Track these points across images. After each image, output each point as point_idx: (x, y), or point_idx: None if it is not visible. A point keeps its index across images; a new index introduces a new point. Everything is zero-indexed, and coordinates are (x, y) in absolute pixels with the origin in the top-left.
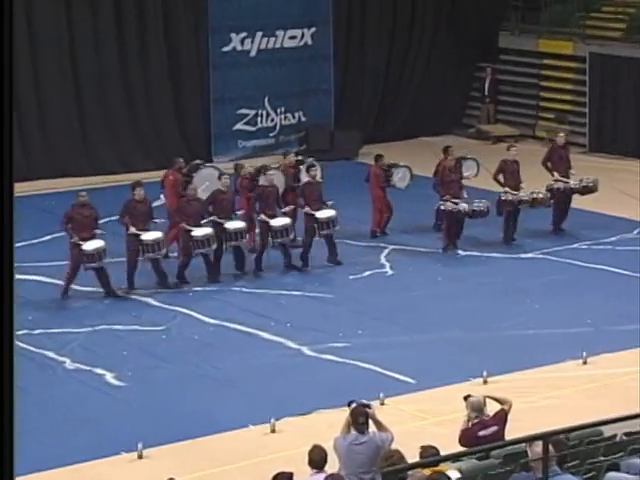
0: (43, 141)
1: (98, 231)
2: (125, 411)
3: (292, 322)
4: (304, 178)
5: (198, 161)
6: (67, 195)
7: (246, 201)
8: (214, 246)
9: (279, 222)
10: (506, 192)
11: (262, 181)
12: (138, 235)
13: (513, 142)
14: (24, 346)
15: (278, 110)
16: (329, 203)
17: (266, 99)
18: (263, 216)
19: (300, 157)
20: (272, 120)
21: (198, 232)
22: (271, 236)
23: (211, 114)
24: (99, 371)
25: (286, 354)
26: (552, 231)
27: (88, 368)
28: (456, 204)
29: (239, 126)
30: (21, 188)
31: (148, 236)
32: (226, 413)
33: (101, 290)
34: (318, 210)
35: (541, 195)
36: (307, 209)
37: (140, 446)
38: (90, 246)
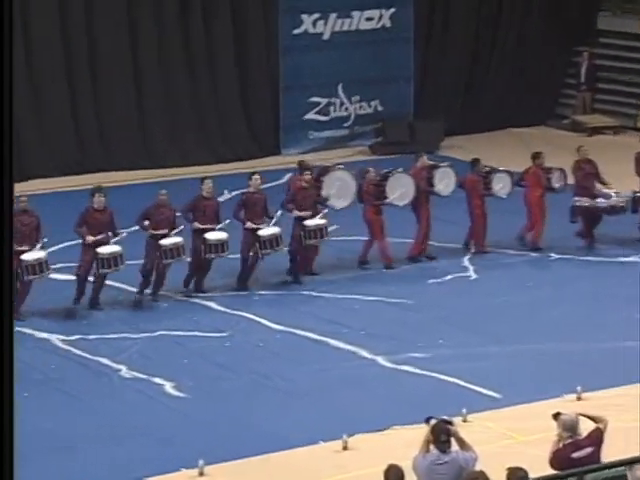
0: (99, 132)
1: (44, 240)
2: (185, 424)
3: (367, 329)
4: (437, 184)
5: (328, 164)
6: (123, 190)
7: (372, 210)
8: (184, 256)
9: (267, 232)
10: None
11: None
12: (95, 247)
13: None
14: (78, 352)
15: (353, 98)
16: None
17: (340, 86)
18: (250, 224)
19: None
20: (346, 109)
21: (166, 241)
22: (260, 246)
23: (280, 103)
24: (157, 380)
25: (360, 364)
26: None
27: (145, 377)
28: (593, 199)
29: (310, 116)
30: (75, 182)
31: (104, 249)
32: (294, 428)
33: (162, 293)
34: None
35: None
36: (295, 213)
37: (201, 462)
38: (30, 256)
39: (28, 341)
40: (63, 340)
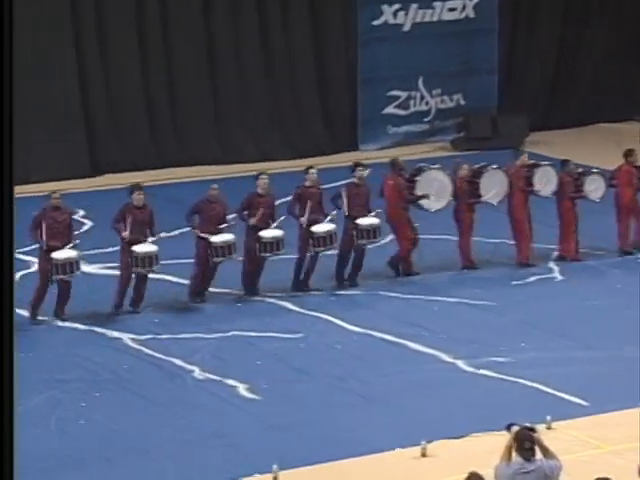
0: (173, 126)
1: (75, 240)
2: (259, 428)
3: (447, 332)
4: (537, 184)
5: (422, 164)
6: (199, 185)
7: (465, 208)
8: (235, 255)
9: (321, 228)
10: None
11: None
12: (131, 245)
13: None
14: (150, 352)
15: (434, 92)
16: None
17: (420, 79)
18: (303, 219)
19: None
20: (427, 103)
21: (217, 238)
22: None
23: (358, 96)
24: (231, 382)
25: (439, 368)
26: None
27: (219, 378)
28: None
29: (389, 110)
30: (149, 177)
31: (140, 248)
32: (371, 433)
33: (235, 292)
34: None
35: None
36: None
37: (275, 467)
38: (61, 255)
39: (100, 340)
40: (134, 340)
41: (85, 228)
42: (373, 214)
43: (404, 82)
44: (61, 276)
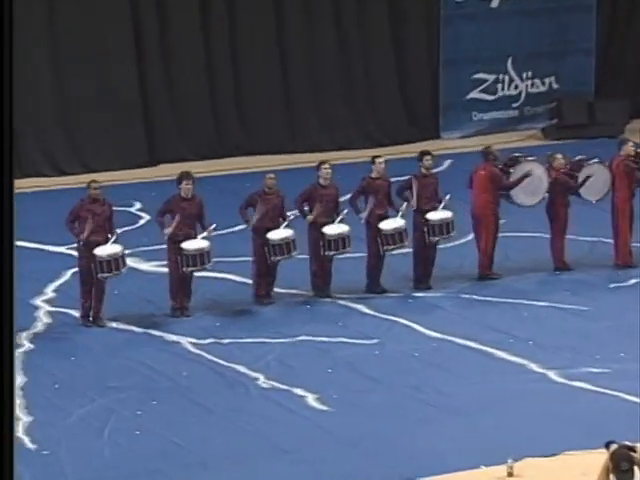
0: (238, 113)
1: (116, 232)
2: (328, 441)
3: (536, 340)
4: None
5: (517, 154)
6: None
7: (560, 203)
8: (295, 253)
9: (389, 225)
10: None
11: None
12: (179, 243)
13: None
14: (211, 357)
15: (524, 75)
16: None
17: (509, 61)
18: (363, 214)
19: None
20: (516, 87)
21: (274, 235)
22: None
23: (440, 80)
24: (299, 392)
25: (528, 379)
26: None
27: (286, 387)
28: None
29: (474, 94)
30: (212, 167)
31: (190, 245)
32: (451, 449)
33: (303, 292)
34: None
35: None
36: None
37: None
38: (104, 251)
39: (157, 344)
40: (194, 344)
41: (141, 222)
42: (443, 204)
43: (491, 64)
44: (106, 274)
